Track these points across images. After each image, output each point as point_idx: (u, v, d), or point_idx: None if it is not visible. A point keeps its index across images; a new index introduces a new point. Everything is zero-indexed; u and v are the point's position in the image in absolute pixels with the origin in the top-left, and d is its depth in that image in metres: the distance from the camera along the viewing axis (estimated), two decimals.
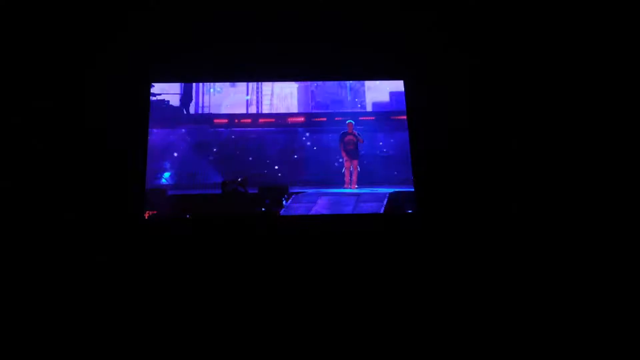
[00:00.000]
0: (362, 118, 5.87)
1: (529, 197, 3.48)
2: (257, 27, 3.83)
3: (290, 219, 4.49)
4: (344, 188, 5.51)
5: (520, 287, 3.12)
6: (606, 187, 3.37)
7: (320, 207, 4.73)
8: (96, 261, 3.40)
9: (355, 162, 5.82)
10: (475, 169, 3.64)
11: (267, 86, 5.99)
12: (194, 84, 5.52)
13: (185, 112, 5.34)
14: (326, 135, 5.84)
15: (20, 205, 3.39)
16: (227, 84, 5.44)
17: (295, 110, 6.14)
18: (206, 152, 5.38)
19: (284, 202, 4.77)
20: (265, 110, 6.01)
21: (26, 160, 3.47)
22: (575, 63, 3.57)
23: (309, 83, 6.05)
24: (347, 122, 5.81)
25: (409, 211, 4.08)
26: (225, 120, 5.71)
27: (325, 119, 5.93)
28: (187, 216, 4.29)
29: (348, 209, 4.64)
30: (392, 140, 5.65)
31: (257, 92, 5.88)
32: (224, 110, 5.73)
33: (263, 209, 4.59)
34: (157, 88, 4.48)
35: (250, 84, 5.70)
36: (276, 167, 5.68)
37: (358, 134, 5.73)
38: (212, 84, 5.57)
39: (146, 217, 4.04)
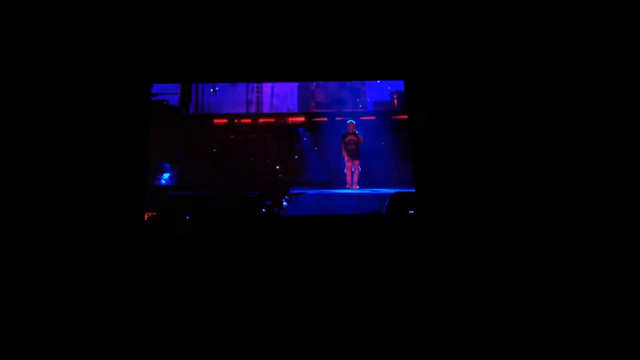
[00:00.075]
0: (363, 118, 5.91)
1: (529, 197, 3.53)
2: (257, 27, 3.87)
3: (291, 220, 4.52)
4: (346, 189, 5.56)
5: (521, 286, 3.16)
6: (606, 187, 3.41)
7: (321, 208, 4.76)
8: (95, 262, 3.43)
9: (357, 162, 5.86)
10: (476, 169, 3.68)
11: (267, 86, 6.04)
12: (193, 84, 5.58)
13: (184, 112, 5.39)
14: (327, 135, 5.88)
15: (20, 205, 3.43)
16: (227, 83, 5.49)
17: (295, 110, 6.20)
18: (206, 153, 5.42)
19: (284, 203, 4.81)
20: (266, 110, 6.07)
21: (26, 160, 3.50)
22: (576, 63, 3.62)
23: (309, 82, 6.10)
24: (348, 122, 5.85)
25: (411, 212, 4.11)
26: (225, 120, 5.75)
27: (326, 118, 5.98)
28: (187, 217, 4.33)
29: (349, 210, 4.66)
30: (393, 141, 5.70)
31: (258, 92, 5.93)
32: (223, 110, 5.79)
33: (263, 210, 4.62)
34: (157, 88, 4.52)
35: (250, 83, 5.76)
36: (277, 167, 5.73)
37: (359, 133, 5.78)
38: (211, 83, 5.63)
39: (145, 219, 4.07)
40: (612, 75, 3.50)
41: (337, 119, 5.87)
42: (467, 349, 2.73)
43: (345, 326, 2.99)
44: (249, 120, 5.78)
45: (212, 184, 4.75)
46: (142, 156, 3.78)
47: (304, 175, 5.76)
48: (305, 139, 5.99)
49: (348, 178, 5.66)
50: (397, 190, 4.99)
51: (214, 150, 5.40)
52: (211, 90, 5.52)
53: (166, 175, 4.92)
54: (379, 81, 5.52)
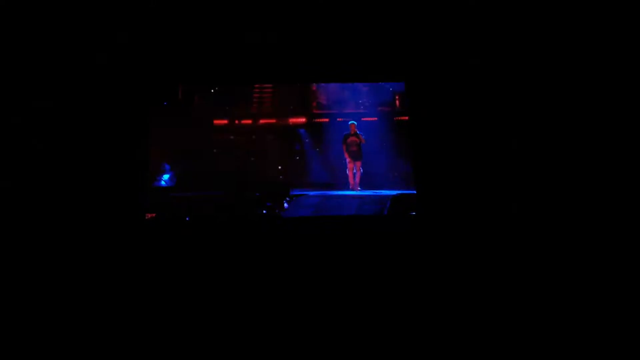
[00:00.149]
0: (364, 119, 5.96)
1: (529, 197, 3.57)
2: (257, 28, 3.91)
3: (292, 221, 4.55)
4: (349, 190, 5.60)
5: (521, 285, 3.20)
6: (606, 187, 3.45)
7: (322, 209, 4.80)
8: (95, 263, 3.47)
9: (359, 163, 5.91)
10: (476, 170, 3.72)
11: (268, 87, 6.09)
12: (192, 85, 5.64)
13: (184, 113, 5.44)
14: (328, 136, 5.93)
15: (20, 205, 3.47)
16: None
17: (296, 111, 6.25)
18: (207, 153, 5.47)
19: (285, 205, 4.84)
20: (267, 110, 6.13)
21: (26, 160, 3.55)
22: (576, 63, 3.67)
23: (310, 83, 6.15)
24: (349, 123, 5.91)
25: (413, 213, 4.15)
26: (226, 121, 5.81)
27: (327, 119, 6.03)
28: (187, 218, 4.37)
29: (350, 212, 4.70)
30: (395, 141, 5.75)
31: (258, 92, 5.98)
32: (224, 111, 5.84)
33: (264, 211, 4.66)
34: (157, 88, 4.56)
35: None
36: (279, 168, 5.78)
37: (360, 134, 5.83)
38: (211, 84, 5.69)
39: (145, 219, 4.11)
40: (612, 75, 3.55)
41: (338, 119, 5.93)
42: (467, 348, 2.77)
43: (346, 326, 3.02)
44: (249, 121, 5.84)
45: (212, 185, 4.79)
46: (142, 156, 3.82)
47: (305, 176, 5.81)
48: (306, 140, 6.04)
49: (351, 180, 5.71)
50: (400, 192, 5.05)
51: (214, 150, 5.46)
52: (212, 90, 5.58)
53: (166, 177, 4.97)
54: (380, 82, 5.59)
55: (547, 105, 3.66)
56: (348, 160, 5.75)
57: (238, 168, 5.45)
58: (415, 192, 4.01)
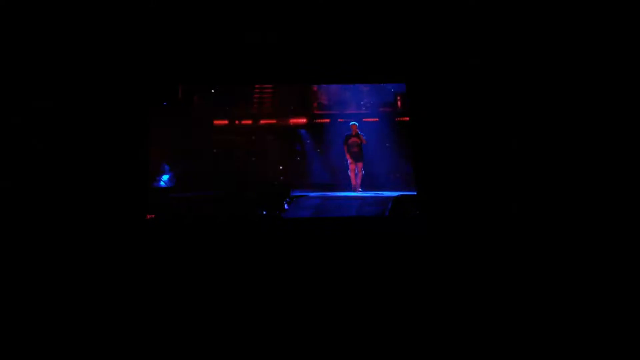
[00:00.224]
0: (366, 119, 6.01)
1: (529, 198, 3.61)
2: (257, 28, 3.97)
3: (292, 222, 4.59)
4: (351, 191, 5.64)
5: (520, 284, 3.23)
6: (606, 187, 3.49)
7: (323, 210, 4.84)
8: (95, 264, 3.51)
9: (360, 164, 5.95)
10: (477, 170, 3.76)
11: (268, 87, 6.14)
12: (192, 85, 5.69)
13: (184, 113, 5.50)
14: (329, 137, 5.98)
15: (20, 205, 3.52)
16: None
17: (297, 111, 6.30)
18: (206, 154, 5.52)
19: (285, 206, 4.88)
20: (267, 111, 6.17)
21: (26, 160, 3.60)
22: (576, 63, 3.71)
23: (310, 84, 6.20)
24: (350, 124, 5.95)
25: (414, 213, 4.19)
26: (226, 122, 5.86)
27: (328, 120, 6.08)
28: (187, 219, 4.41)
29: (351, 213, 4.73)
30: (396, 143, 5.79)
31: (258, 93, 6.03)
32: (224, 111, 5.89)
33: (264, 212, 4.70)
34: (156, 88, 4.62)
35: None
36: (280, 168, 5.82)
37: (362, 135, 5.87)
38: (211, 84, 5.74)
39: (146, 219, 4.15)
40: (612, 75, 3.58)
41: (339, 120, 5.97)
42: (466, 347, 2.80)
43: (346, 327, 3.06)
44: (249, 122, 5.89)
45: (212, 186, 4.83)
46: (142, 156, 3.87)
47: (305, 177, 5.85)
48: (307, 140, 6.09)
49: (353, 181, 5.75)
50: (401, 193, 5.08)
51: (214, 151, 5.51)
52: (212, 90, 5.64)
53: (165, 177, 5.01)
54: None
55: (547, 106, 3.70)
56: (350, 161, 5.79)
57: (238, 168, 5.49)
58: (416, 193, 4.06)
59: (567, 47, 3.70)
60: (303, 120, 6.14)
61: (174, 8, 3.88)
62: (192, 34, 3.99)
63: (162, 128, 4.44)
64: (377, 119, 6.01)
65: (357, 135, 5.83)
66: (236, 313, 3.24)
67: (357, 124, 5.86)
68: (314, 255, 3.73)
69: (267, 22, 3.90)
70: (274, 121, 6.06)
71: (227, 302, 3.34)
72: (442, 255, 3.59)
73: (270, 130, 6.01)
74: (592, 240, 3.39)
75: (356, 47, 3.95)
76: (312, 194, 5.28)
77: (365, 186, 5.81)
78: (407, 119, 4.63)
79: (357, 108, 6.33)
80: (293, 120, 6.13)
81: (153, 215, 4.23)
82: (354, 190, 5.72)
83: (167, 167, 5.00)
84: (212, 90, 5.73)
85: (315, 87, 6.23)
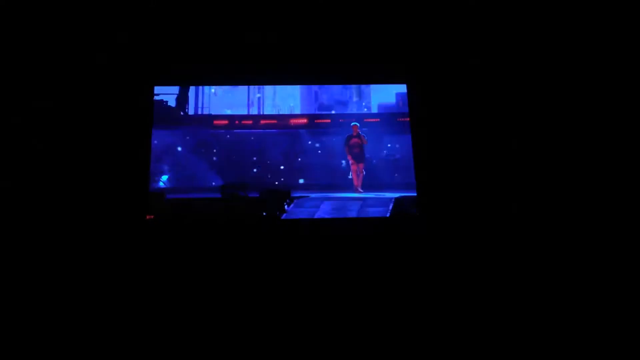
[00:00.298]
0: (367, 120, 6.03)
1: (530, 197, 3.65)
2: (258, 29, 4.01)
3: (292, 223, 4.61)
4: (351, 192, 5.66)
5: (522, 286, 3.27)
6: (606, 187, 3.52)
7: (324, 211, 4.87)
8: (94, 265, 3.56)
9: (361, 165, 5.98)
10: (477, 170, 3.80)
11: (269, 87, 6.18)
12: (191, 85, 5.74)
13: (182, 113, 5.54)
14: (330, 138, 6.00)
15: (20, 205, 3.58)
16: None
17: (297, 111, 6.32)
18: (205, 154, 5.56)
19: (285, 207, 4.91)
20: (267, 111, 6.20)
21: (26, 160, 3.66)
22: (576, 63, 3.75)
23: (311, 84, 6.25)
24: (351, 124, 5.98)
25: (417, 213, 4.22)
26: (225, 122, 5.90)
27: (329, 120, 6.11)
28: (186, 220, 4.44)
29: (352, 214, 4.76)
30: (397, 145, 5.81)
31: (259, 93, 6.07)
32: (224, 111, 5.93)
33: (264, 214, 4.73)
34: (155, 88, 4.66)
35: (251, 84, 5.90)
36: (281, 168, 5.84)
37: (363, 135, 5.90)
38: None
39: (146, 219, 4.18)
40: (612, 75, 3.63)
41: (340, 120, 6.00)
42: (466, 346, 2.84)
43: (347, 327, 3.10)
44: (249, 122, 5.92)
45: (211, 187, 4.86)
46: (143, 156, 3.92)
47: (306, 178, 5.88)
48: (307, 141, 6.12)
49: (355, 182, 5.78)
50: (403, 194, 5.11)
51: (214, 151, 5.54)
52: (212, 90, 5.69)
53: (164, 178, 5.05)
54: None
55: (547, 106, 3.74)
56: (351, 162, 5.82)
57: (238, 169, 5.52)
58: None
59: (568, 47, 3.75)
60: (303, 121, 6.18)
61: (174, 8, 3.93)
62: (192, 33, 4.04)
63: (160, 128, 4.47)
64: (378, 119, 6.04)
65: (358, 135, 5.86)
66: (236, 313, 3.29)
67: (358, 124, 5.89)
68: (314, 255, 3.77)
69: (267, 22, 3.95)
70: (274, 121, 6.09)
71: (227, 302, 3.39)
72: (442, 255, 3.63)
73: (270, 131, 6.04)
74: (592, 240, 3.42)
75: (356, 47, 4.00)
76: (312, 195, 5.31)
77: (365, 186, 5.83)
78: (408, 119, 4.67)
79: (359, 108, 6.36)
80: (293, 120, 6.16)
81: (152, 216, 4.27)
82: (356, 192, 5.75)
83: (165, 168, 5.03)
84: (212, 90, 5.77)
85: (315, 87, 6.26)
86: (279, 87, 5.90)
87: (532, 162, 3.70)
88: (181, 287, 3.50)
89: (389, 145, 5.85)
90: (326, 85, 6.10)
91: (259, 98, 5.95)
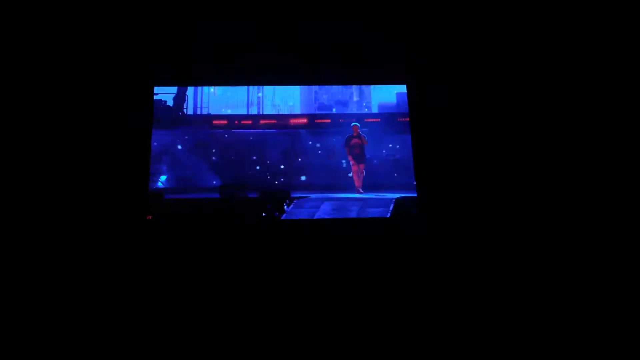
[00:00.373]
0: (367, 120, 6.08)
1: (530, 197, 3.70)
2: (257, 28, 4.06)
3: (292, 223, 4.65)
4: (352, 192, 5.70)
5: (521, 285, 3.32)
6: (606, 187, 3.57)
7: (324, 212, 4.91)
8: (94, 265, 3.60)
9: (362, 165, 6.03)
10: (477, 170, 3.85)
11: (269, 87, 6.23)
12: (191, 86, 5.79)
13: (180, 113, 5.58)
14: (330, 138, 6.05)
15: (20, 205, 3.63)
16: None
17: (297, 111, 6.36)
18: (205, 155, 5.61)
19: (285, 207, 4.96)
20: (267, 111, 6.24)
21: (26, 160, 3.72)
22: (576, 63, 3.79)
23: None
24: (352, 124, 6.03)
25: (417, 213, 4.26)
26: (225, 122, 5.95)
27: (329, 120, 6.15)
28: (185, 221, 4.49)
29: (352, 214, 4.80)
30: (398, 145, 5.85)
31: (260, 92, 6.11)
32: (223, 111, 5.97)
33: (264, 214, 4.77)
34: (155, 88, 4.70)
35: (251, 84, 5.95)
36: (281, 168, 5.88)
37: (363, 136, 5.95)
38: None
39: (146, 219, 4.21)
40: (612, 75, 3.67)
41: (340, 120, 6.05)
42: (466, 346, 2.89)
43: (347, 328, 3.15)
44: (249, 122, 5.97)
45: (210, 187, 4.91)
46: (143, 156, 3.96)
47: (306, 178, 5.91)
48: (308, 141, 6.16)
49: (356, 182, 5.82)
50: (403, 194, 5.16)
51: (213, 151, 5.59)
52: (211, 90, 5.74)
53: (163, 178, 5.09)
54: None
55: (547, 106, 3.79)
56: (352, 162, 5.87)
57: (237, 169, 5.56)
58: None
59: (568, 47, 3.79)
60: (303, 121, 6.22)
61: (174, 8, 3.98)
62: (193, 36, 4.09)
63: (159, 128, 4.52)
64: (379, 119, 6.09)
65: (358, 136, 5.90)
66: (236, 314, 3.33)
67: (358, 124, 5.94)
68: (314, 256, 3.82)
69: (267, 22, 4.00)
70: (274, 121, 6.14)
71: (226, 302, 3.44)
72: (442, 255, 3.67)
73: (270, 131, 6.09)
74: (592, 240, 3.47)
75: (357, 48, 4.05)
76: (312, 195, 5.35)
77: (366, 187, 5.87)
78: (408, 119, 4.72)
79: (359, 108, 6.41)
80: (293, 120, 6.21)
81: (150, 217, 4.31)
82: (357, 192, 5.80)
83: (164, 168, 5.07)
84: (212, 90, 5.83)
85: (315, 87, 6.32)
86: (279, 87, 5.96)
87: (532, 162, 3.74)
88: (180, 287, 3.54)
89: (389, 145, 5.90)
90: (326, 85, 6.16)
91: (259, 98, 6.00)
